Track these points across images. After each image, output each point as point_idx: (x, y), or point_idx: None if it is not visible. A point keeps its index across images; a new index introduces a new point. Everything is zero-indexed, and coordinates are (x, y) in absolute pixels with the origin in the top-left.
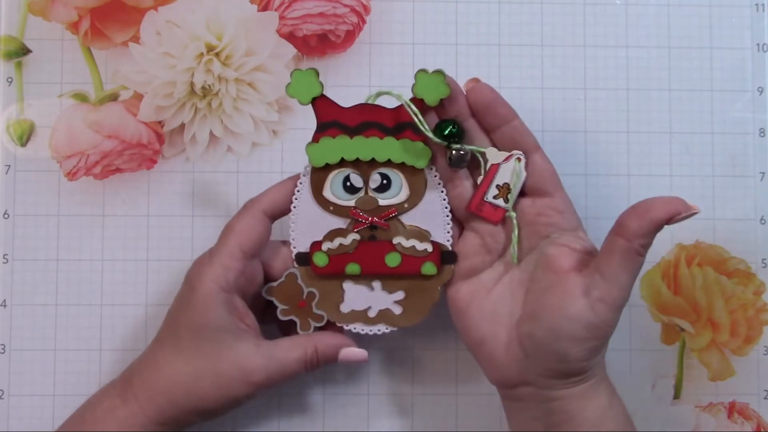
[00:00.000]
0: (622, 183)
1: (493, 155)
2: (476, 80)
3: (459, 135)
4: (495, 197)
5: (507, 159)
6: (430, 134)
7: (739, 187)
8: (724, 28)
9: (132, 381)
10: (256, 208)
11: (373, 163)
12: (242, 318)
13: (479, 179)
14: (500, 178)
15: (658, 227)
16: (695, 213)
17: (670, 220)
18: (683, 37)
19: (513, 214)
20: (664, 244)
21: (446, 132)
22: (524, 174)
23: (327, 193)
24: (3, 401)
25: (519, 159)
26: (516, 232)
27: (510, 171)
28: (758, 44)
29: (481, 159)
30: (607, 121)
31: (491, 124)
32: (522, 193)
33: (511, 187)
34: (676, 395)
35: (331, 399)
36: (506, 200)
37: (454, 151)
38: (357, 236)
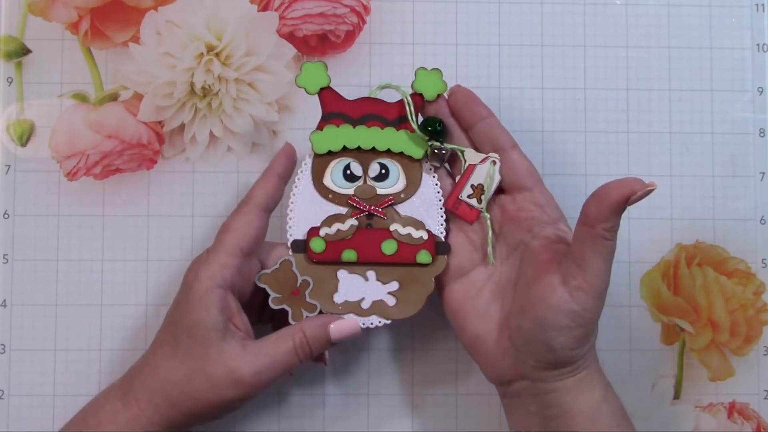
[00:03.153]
0: None
1: (471, 156)
2: (458, 86)
3: (441, 133)
4: (469, 196)
5: (483, 160)
6: (416, 126)
7: (739, 187)
8: (724, 28)
9: (132, 384)
10: (252, 204)
11: (373, 153)
12: (232, 317)
13: (457, 178)
14: (476, 179)
15: (617, 210)
16: (652, 189)
17: (627, 201)
18: (683, 37)
19: (487, 215)
20: (664, 244)
21: (430, 128)
22: (498, 177)
23: (327, 180)
24: (3, 401)
25: (494, 162)
26: (490, 233)
27: (485, 172)
28: (758, 44)
29: (461, 157)
30: (607, 121)
31: (468, 121)
32: (502, 191)
33: (485, 188)
34: (676, 395)
35: (331, 399)
36: (479, 201)
37: (435, 150)
38: (355, 222)
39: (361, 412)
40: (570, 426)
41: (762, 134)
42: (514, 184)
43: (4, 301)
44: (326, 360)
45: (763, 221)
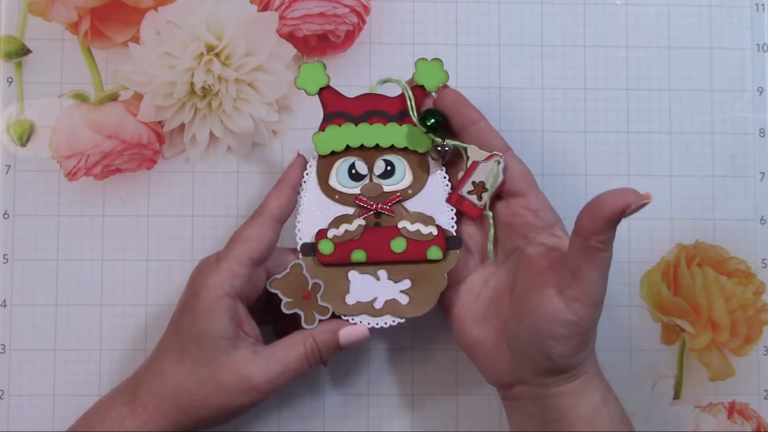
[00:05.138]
0: (622, 183)
1: (475, 153)
2: (445, 86)
3: (440, 127)
4: (469, 192)
5: (487, 159)
6: (416, 120)
7: (739, 187)
8: (724, 28)
9: (139, 390)
10: (265, 215)
11: (377, 150)
12: (242, 324)
13: (460, 174)
14: (478, 176)
15: (612, 223)
16: (647, 202)
17: (622, 214)
18: (683, 37)
19: (489, 213)
20: (664, 244)
21: (428, 122)
22: (501, 177)
23: (333, 181)
24: (3, 401)
25: (498, 162)
26: (492, 230)
27: (488, 171)
28: (758, 44)
29: (464, 154)
30: (607, 121)
31: (458, 125)
32: (497, 196)
33: (487, 186)
34: (676, 395)
35: (331, 399)
36: (479, 198)
37: (438, 147)
38: (363, 222)
39: (361, 412)
40: (569, 429)
41: (762, 134)
42: (508, 189)
43: (4, 301)
44: (326, 360)
45: (763, 221)
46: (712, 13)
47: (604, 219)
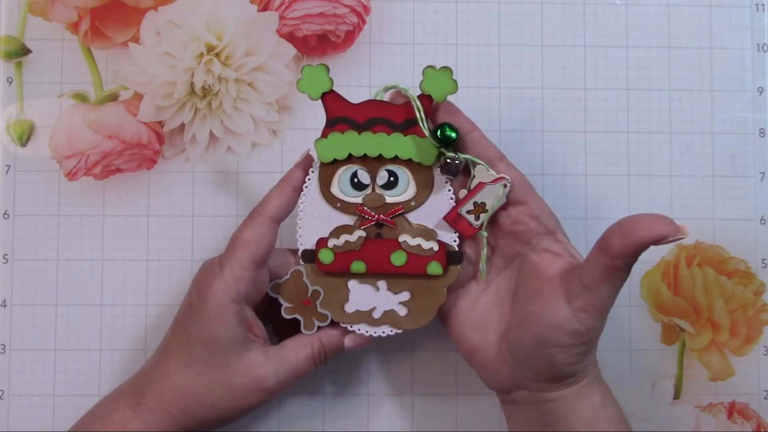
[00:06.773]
0: (622, 183)
1: (482, 174)
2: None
3: (455, 143)
4: (468, 212)
5: (495, 181)
6: (427, 133)
7: (739, 187)
8: (724, 28)
9: (144, 393)
10: (264, 215)
11: (380, 160)
12: (251, 327)
13: (461, 192)
14: (481, 197)
15: (643, 248)
16: (683, 237)
17: (656, 243)
18: (683, 37)
19: (484, 234)
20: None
21: (444, 136)
22: (504, 201)
23: (334, 189)
24: (3, 401)
25: (505, 185)
26: (485, 251)
27: (493, 194)
28: (758, 44)
29: (471, 171)
30: (607, 121)
31: None
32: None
33: (488, 208)
34: (676, 395)
35: (331, 399)
36: (477, 218)
37: (448, 160)
38: (363, 233)
39: (361, 412)
40: (568, 430)
41: (762, 134)
42: (508, 198)
43: (4, 301)
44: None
45: (763, 221)
46: (712, 13)
47: (636, 244)
